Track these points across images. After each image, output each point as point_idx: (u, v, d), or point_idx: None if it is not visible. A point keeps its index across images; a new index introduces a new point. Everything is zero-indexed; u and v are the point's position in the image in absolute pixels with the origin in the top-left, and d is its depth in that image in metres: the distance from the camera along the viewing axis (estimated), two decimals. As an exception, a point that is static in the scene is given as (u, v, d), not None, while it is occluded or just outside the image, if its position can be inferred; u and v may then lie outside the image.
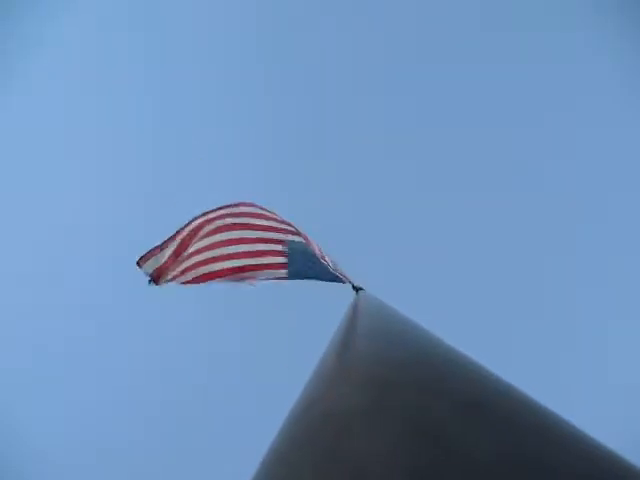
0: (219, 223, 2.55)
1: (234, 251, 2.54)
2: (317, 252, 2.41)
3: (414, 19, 12.02)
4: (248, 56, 12.66)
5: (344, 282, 2.44)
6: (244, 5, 12.22)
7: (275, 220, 2.62)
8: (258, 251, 2.56)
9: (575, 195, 11.78)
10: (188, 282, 2.56)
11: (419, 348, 0.66)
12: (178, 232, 2.52)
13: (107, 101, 12.24)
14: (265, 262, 2.56)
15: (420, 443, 0.33)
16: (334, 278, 2.45)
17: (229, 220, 2.58)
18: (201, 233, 2.54)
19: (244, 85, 12.63)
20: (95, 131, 12.26)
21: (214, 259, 2.54)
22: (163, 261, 2.47)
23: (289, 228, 2.59)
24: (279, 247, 2.57)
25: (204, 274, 2.56)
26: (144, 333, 11.99)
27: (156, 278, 2.45)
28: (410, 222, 12.60)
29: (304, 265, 2.56)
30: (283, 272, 2.59)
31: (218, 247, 2.54)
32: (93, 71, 12.01)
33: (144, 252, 2.44)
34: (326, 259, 2.42)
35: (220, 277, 2.57)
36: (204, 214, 2.56)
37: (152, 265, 2.47)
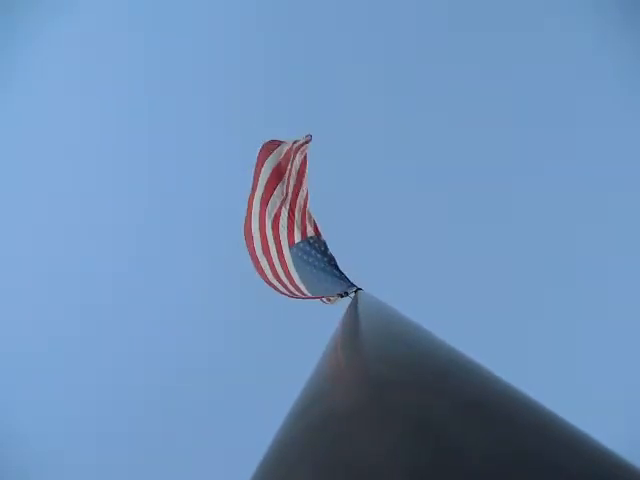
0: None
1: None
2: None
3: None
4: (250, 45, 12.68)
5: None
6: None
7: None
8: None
9: (575, 196, 11.80)
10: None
11: (420, 348, 0.66)
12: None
13: (108, 97, 12.25)
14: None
15: (421, 443, 0.33)
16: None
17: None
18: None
19: (245, 84, 12.66)
20: (96, 129, 12.27)
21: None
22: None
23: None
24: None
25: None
26: (145, 332, 12.00)
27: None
28: (410, 220, 12.62)
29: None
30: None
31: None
32: (93, 66, 12.02)
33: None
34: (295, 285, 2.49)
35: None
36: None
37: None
